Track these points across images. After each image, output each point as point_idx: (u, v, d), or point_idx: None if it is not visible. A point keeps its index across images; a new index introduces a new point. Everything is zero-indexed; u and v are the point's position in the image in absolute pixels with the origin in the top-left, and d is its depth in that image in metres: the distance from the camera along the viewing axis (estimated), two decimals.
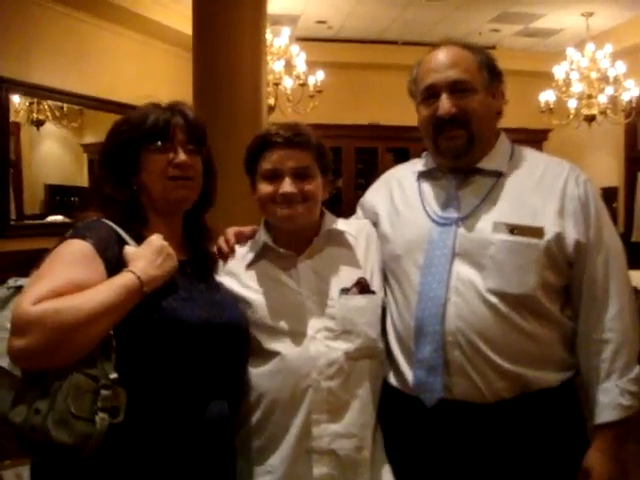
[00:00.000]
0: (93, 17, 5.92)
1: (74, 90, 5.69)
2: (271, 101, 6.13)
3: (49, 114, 5.73)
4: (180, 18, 4.90)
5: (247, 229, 1.97)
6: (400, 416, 1.80)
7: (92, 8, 5.79)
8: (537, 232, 1.71)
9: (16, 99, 5.38)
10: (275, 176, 1.79)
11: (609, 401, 1.70)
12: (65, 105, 5.80)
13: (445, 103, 1.78)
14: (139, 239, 1.64)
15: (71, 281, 1.47)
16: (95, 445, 1.41)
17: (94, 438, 1.40)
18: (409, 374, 1.77)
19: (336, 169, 8.05)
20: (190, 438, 1.58)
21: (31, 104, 5.56)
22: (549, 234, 1.71)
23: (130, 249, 1.60)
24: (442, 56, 1.83)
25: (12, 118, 5.35)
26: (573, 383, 1.79)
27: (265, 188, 1.80)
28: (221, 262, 1.90)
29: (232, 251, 1.91)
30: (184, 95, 4.41)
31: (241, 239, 1.95)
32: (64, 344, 1.40)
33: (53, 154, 5.92)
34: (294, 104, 6.29)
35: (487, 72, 1.83)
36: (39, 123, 5.70)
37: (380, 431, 1.81)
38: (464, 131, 1.79)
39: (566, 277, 1.76)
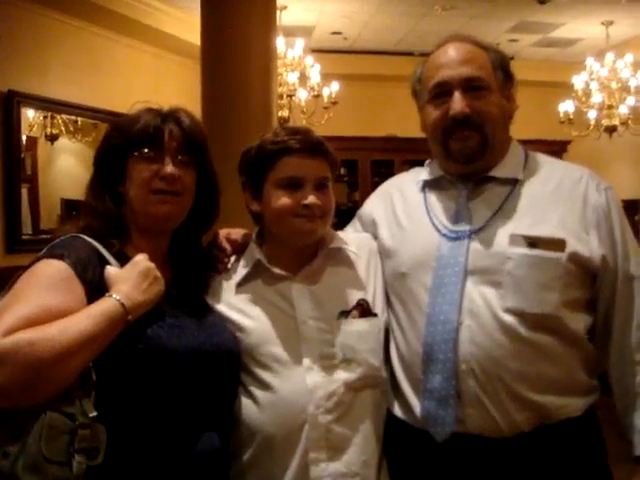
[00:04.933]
0: (106, 30, 5.90)
1: (88, 104, 5.66)
2: (285, 113, 6.09)
3: (63, 128, 5.70)
4: (193, 30, 4.87)
5: (238, 235, 1.80)
6: (407, 451, 1.66)
7: (105, 21, 5.77)
8: (558, 245, 1.56)
9: (30, 114, 5.36)
10: (295, 185, 1.62)
11: None
12: (79, 119, 5.77)
13: (458, 102, 1.63)
14: (121, 258, 1.50)
15: (47, 308, 1.32)
16: None
17: None
18: (417, 405, 1.62)
19: (352, 182, 8.04)
20: (179, 475, 1.44)
21: (45, 118, 5.54)
22: (571, 247, 1.57)
23: (112, 270, 1.45)
24: (453, 52, 1.68)
25: (28, 133, 5.34)
26: (595, 409, 1.66)
27: (283, 199, 1.62)
28: (210, 280, 1.73)
29: (229, 262, 1.75)
30: (198, 108, 4.43)
31: (235, 248, 1.77)
32: (39, 381, 1.25)
33: (69, 169, 5.88)
34: (308, 116, 6.22)
35: (501, 72, 1.70)
36: (53, 138, 5.67)
37: (385, 469, 1.67)
38: (477, 133, 1.64)
39: (590, 291, 1.63)
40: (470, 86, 1.64)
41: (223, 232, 1.80)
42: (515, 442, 1.55)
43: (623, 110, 6.66)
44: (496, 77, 1.68)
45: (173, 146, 1.57)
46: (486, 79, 1.66)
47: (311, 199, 1.61)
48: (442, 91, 1.66)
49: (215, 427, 1.54)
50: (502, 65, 1.71)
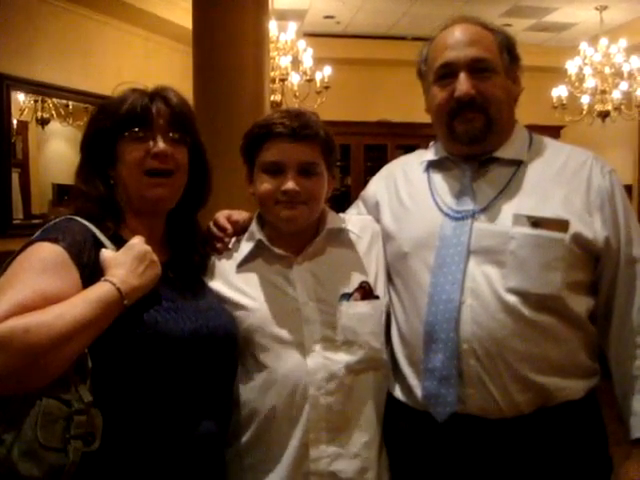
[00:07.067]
0: (97, 13, 5.84)
1: (78, 87, 5.61)
2: (277, 97, 6.06)
3: (54, 112, 5.66)
4: (184, 13, 4.83)
5: (240, 216, 1.79)
6: (407, 433, 1.65)
7: (96, 4, 5.70)
8: (562, 225, 1.56)
9: (21, 97, 5.31)
10: (277, 170, 1.61)
11: None
12: (70, 103, 5.72)
13: (464, 84, 1.62)
14: (117, 240, 1.48)
15: (41, 293, 1.30)
16: (68, 478, 1.25)
17: (67, 470, 1.24)
18: (417, 386, 1.61)
19: (345, 167, 8.03)
20: (176, 459, 1.43)
21: (36, 102, 5.49)
22: (574, 228, 1.56)
23: (108, 254, 1.43)
24: (460, 33, 1.68)
25: (19, 117, 5.30)
26: (595, 392, 1.66)
27: (265, 184, 1.62)
28: (210, 261, 1.72)
29: (229, 242, 1.74)
30: (189, 91, 4.40)
31: (236, 229, 1.76)
32: (35, 367, 1.23)
33: (60, 153, 5.85)
34: (301, 100, 6.19)
35: (507, 54, 1.70)
36: (44, 122, 5.62)
37: (385, 450, 1.67)
38: (482, 115, 1.64)
39: (593, 274, 1.63)
40: (476, 67, 1.64)
41: (224, 213, 1.80)
42: (515, 424, 1.55)
43: (616, 95, 6.66)
44: (502, 59, 1.68)
45: (162, 124, 1.55)
46: (492, 61, 1.66)
47: (288, 185, 1.60)
48: (448, 72, 1.66)
49: (212, 410, 1.53)
50: (508, 47, 1.70)
